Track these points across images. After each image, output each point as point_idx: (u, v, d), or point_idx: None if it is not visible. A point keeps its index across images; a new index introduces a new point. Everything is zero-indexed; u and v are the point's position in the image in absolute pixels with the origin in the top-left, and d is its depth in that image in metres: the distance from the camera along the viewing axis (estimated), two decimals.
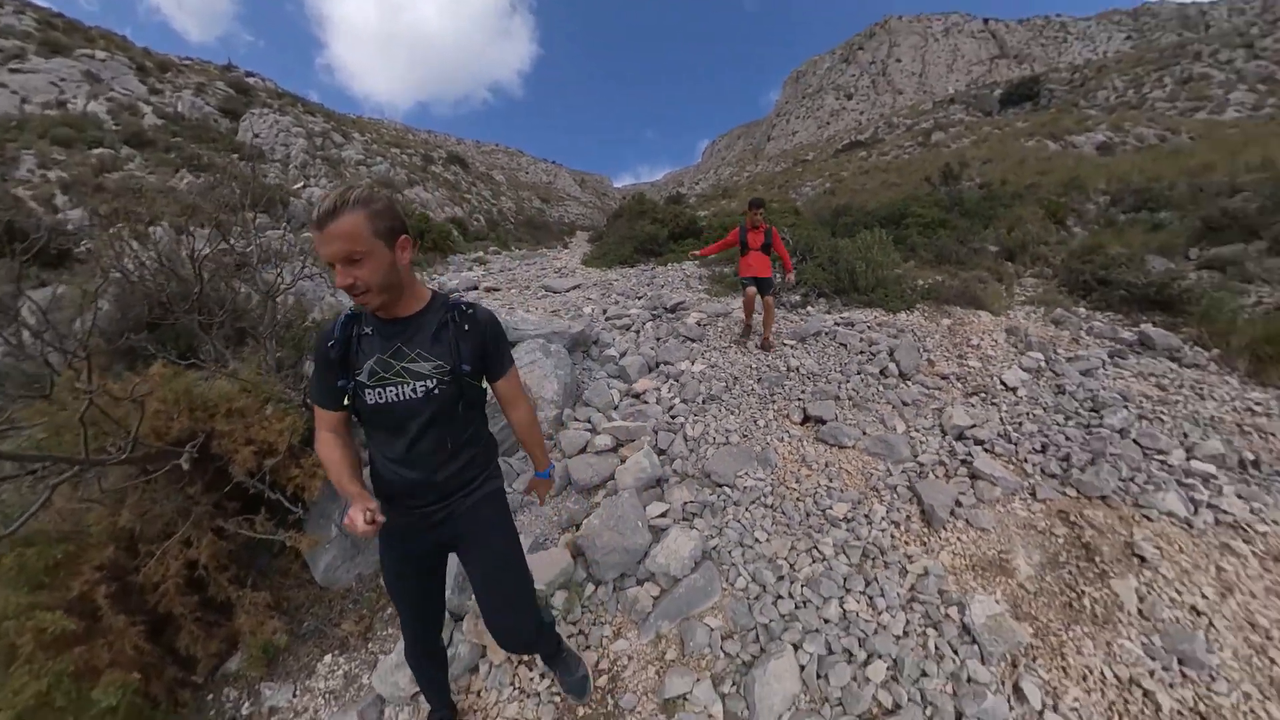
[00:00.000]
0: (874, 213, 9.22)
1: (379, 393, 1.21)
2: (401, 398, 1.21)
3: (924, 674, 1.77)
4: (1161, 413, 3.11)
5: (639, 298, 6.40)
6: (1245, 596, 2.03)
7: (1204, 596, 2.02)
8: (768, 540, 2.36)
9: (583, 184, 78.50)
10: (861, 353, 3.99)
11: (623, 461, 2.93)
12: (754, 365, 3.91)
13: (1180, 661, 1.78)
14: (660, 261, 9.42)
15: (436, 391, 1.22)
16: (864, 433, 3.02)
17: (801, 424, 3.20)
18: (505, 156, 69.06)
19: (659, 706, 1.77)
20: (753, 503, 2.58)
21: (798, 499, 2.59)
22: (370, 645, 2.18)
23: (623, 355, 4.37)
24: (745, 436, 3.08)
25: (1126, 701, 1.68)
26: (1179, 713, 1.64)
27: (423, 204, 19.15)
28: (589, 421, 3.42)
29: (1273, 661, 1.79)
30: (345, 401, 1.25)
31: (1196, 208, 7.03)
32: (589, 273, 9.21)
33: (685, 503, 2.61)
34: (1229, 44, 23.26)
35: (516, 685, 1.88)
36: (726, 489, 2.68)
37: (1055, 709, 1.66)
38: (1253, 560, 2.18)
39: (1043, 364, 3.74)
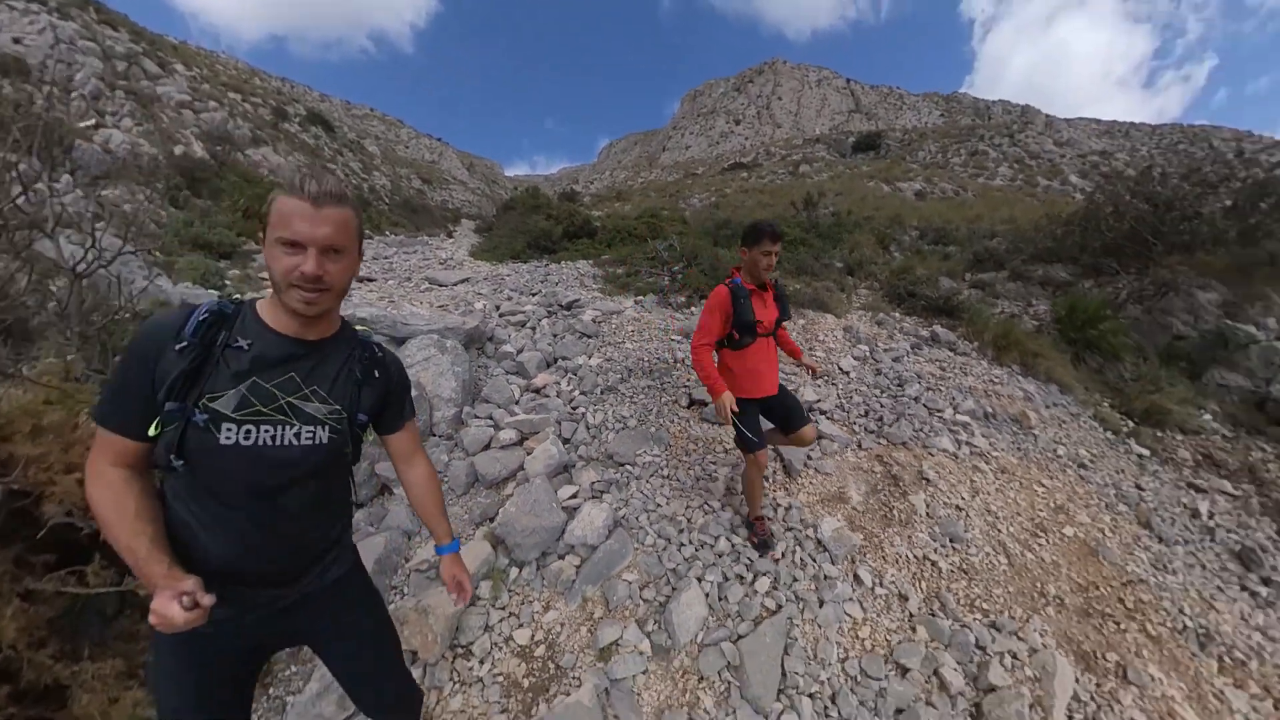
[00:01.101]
0: (739, 224, 10.67)
1: (246, 431, 0.90)
2: (279, 442, 0.93)
3: (795, 579, 2.29)
4: (941, 385, 4.15)
5: (533, 294, 6.45)
6: (986, 496, 2.94)
7: (963, 498, 2.87)
8: (667, 503, 2.72)
9: (471, 168, 73.39)
10: None
11: (529, 453, 3.06)
12: (645, 359, 4.24)
13: (951, 540, 2.56)
14: (554, 259, 9.50)
15: (326, 441, 0.98)
16: None
17: (688, 408, 3.62)
18: (382, 125, 60.80)
19: (595, 656, 2.00)
20: (652, 475, 2.91)
21: (689, 468, 3.00)
22: (272, 690, 1.93)
23: (520, 351, 4.44)
24: (641, 421, 3.40)
25: (922, 570, 2.40)
26: (951, 570, 2.40)
27: (271, 169, 15.61)
28: (490, 418, 3.47)
29: (999, 531, 2.67)
30: (154, 430, 0.89)
31: (971, 245, 9.24)
32: (478, 266, 8.91)
33: (593, 482, 2.86)
34: (1000, 133, 30.90)
35: (456, 679, 1.94)
36: (628, 467, 2.97)
37: (880, 584, 2.30)
38: (990, 474, 3.15)
39: (868, 354, 4.71)
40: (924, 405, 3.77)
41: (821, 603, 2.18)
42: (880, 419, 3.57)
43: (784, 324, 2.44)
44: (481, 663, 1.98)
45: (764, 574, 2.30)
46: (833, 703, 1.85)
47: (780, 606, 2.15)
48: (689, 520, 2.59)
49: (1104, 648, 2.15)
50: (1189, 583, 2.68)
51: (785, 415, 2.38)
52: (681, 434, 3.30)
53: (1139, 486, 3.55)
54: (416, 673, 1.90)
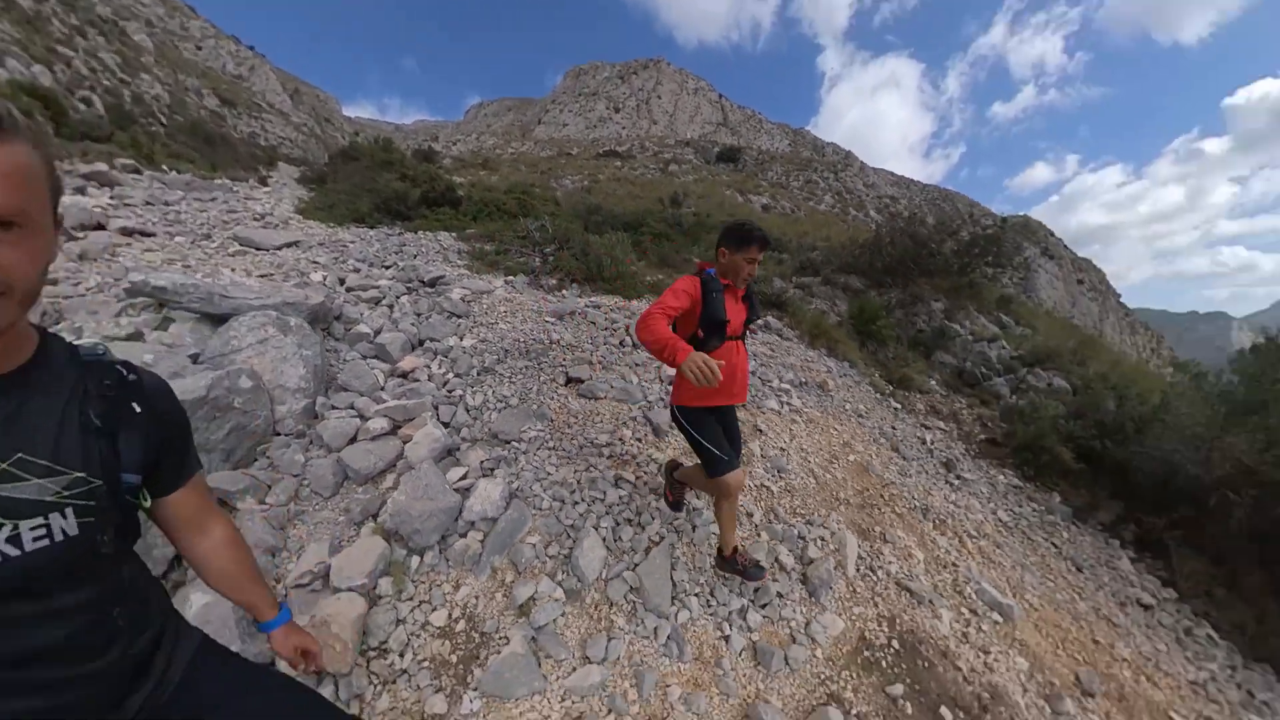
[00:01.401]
0: (619, 217, 10.98)
1: None
2: None
3: (675, 516, 2.80)
4: (770, 362, 5.15)
5: (386, 267, 5.92)
6: (799, 439, 3.86)
7: (785, 442, 3.73)
8: (556, 470, 2.95)
9: (296, 96, 58.63)
10: (606, 328, 4.89)
11: (408, 441, 2.96)
12: (521, 339, 4.31)
13: (778, 470, 3.35)
14: (409, 227, 8.55)
15: (74, 534, 0.65)
16: (611, 386, 3.89)
17: (566, 385, 3.87)
18: (161, 8, 44.23)
19: (516, 613, 2.18)
20: (539, 449, 3.10)
21: (572, 438, 3.27)
22: None
23: (378, 332, 4.14)
24: (522, 400, 3.53)
25: (760, 494, 3.11)
26: (779, 491, 3.16)
27: None
28: (353, 407, 3.24)
29: (809, 462, 3.57)
30: None
31: (798, 255, 11.10)
32: (310, 227, 7.69)
33: (483, 461, 2.93)
34: (829, 169, 37.39)
35: (377, 680, 1.92)
36: (514, 443, 3.11)
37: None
38: (802, 424, 4.12)
39: None
40: (758, 378, 4.67)
41: (694, 528, 2.73)
42: None
43: (752, 326, 2.15)
44: (401, 655, 1.99)
45: (647, 513, 2.75)
46: (712, 595, 2.42)
47: (664, 537, 2.62)
48: (578, 482, 2.87)
49: (873, 525, 3.14)
50: (918, 482, 3.98)
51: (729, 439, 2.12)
52: (562, 409, 3.53)
53: (893, 427, 4.97)
54: (328, 690, 1.83)
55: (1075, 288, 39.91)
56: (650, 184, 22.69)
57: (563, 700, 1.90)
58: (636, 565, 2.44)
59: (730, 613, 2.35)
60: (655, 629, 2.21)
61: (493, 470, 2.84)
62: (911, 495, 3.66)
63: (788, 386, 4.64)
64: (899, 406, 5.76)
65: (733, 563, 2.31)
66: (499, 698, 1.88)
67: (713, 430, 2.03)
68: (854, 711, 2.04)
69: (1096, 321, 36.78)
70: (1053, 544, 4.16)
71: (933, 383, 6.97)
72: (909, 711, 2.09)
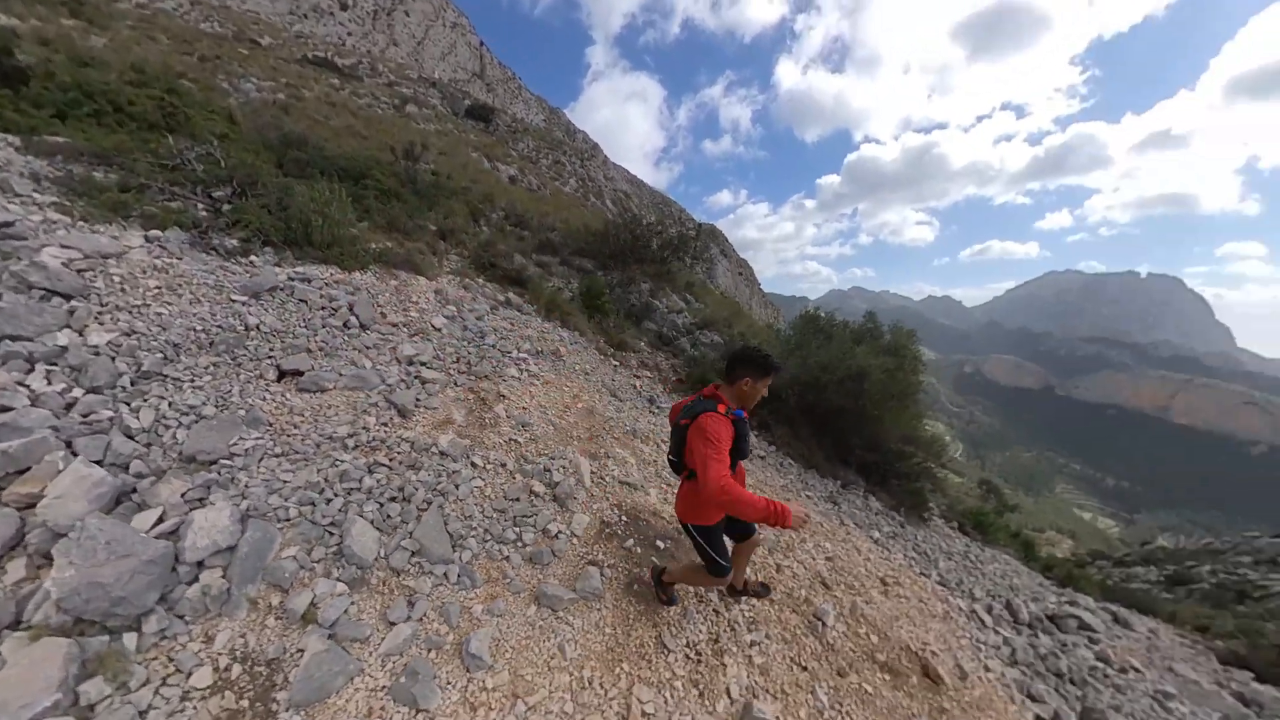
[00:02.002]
0: (334, 159, 8.35)
1: None
2: None
3: (437, 482, 3.04)
4: (510, 335, 5.68)
5: None
6: (538, 398, 4.57)
7: (526, 403, 4.38)
8: (295, 475, 2.75)
9: None
10: (324, 308, 4.27)
11: (32, 504, 2.22)
12: (198, 328, 3.47)
13: (523, 425, 3.98)
14: None
15: None
16: (340, 374, 3.65)
17: (280, 380, 3.42)
18: None
19: (300, 625, 2.13)
20: (263, 458, 2.79)
21: (304, 438, 3.03)
22: None
23: None
24: (221, 407, 3.01)
25: (511, 446, 3.64)
26: (526, 441, 3.78)
27: None
28: None
29: (548, 414, 4.32)
30: None
31: (540, 233, 11.90)
32: None
33: (184, 492, 2.48)
34: (577, 155, 39.36)
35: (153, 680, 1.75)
36: (225, 461, 2.69)
37: (488, 463, 3.38)
38: (540, 386, 4.83)
39: (456, 314, 5.57)
40: (498, 350, 5.14)
41: (457, 486, 3.05)
42: (469, 363, 4.63)
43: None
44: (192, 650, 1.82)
45: (409, 485, 2.93)
46: (487, 533, 2.85)
47: (429, 503, 2.86)
48: (325, 480, 2.75)
49: (599, 449, 4.12)
50: (630, 415, 5.25)
51: (742, 526, 2.45)
52: (281, 409, 3.18)
53: (613, 379, 6.24)
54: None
55: (739, 278, 55.72)
56: (380, 122, 18.56)
57: (384, 666, 2.08)
58: (412, 532, 2.64)
59: (506, 540, 2.85)
60: (445, 573, 2.53)
61: (205, 498, 2.46)
62: (624, 424, 4.89)
63: (526, 355, 5.35)
64: (618, 364, 7.32)
65: (743, 591, 2.81)
66: (318, 700, 1.91)
67: (721, 542, 2.25)
68: (607, 564, 2.89)
69: (748, 300, 51.91)
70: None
71: (642, 344, 9.00)
72: (639, 550, 3.08)
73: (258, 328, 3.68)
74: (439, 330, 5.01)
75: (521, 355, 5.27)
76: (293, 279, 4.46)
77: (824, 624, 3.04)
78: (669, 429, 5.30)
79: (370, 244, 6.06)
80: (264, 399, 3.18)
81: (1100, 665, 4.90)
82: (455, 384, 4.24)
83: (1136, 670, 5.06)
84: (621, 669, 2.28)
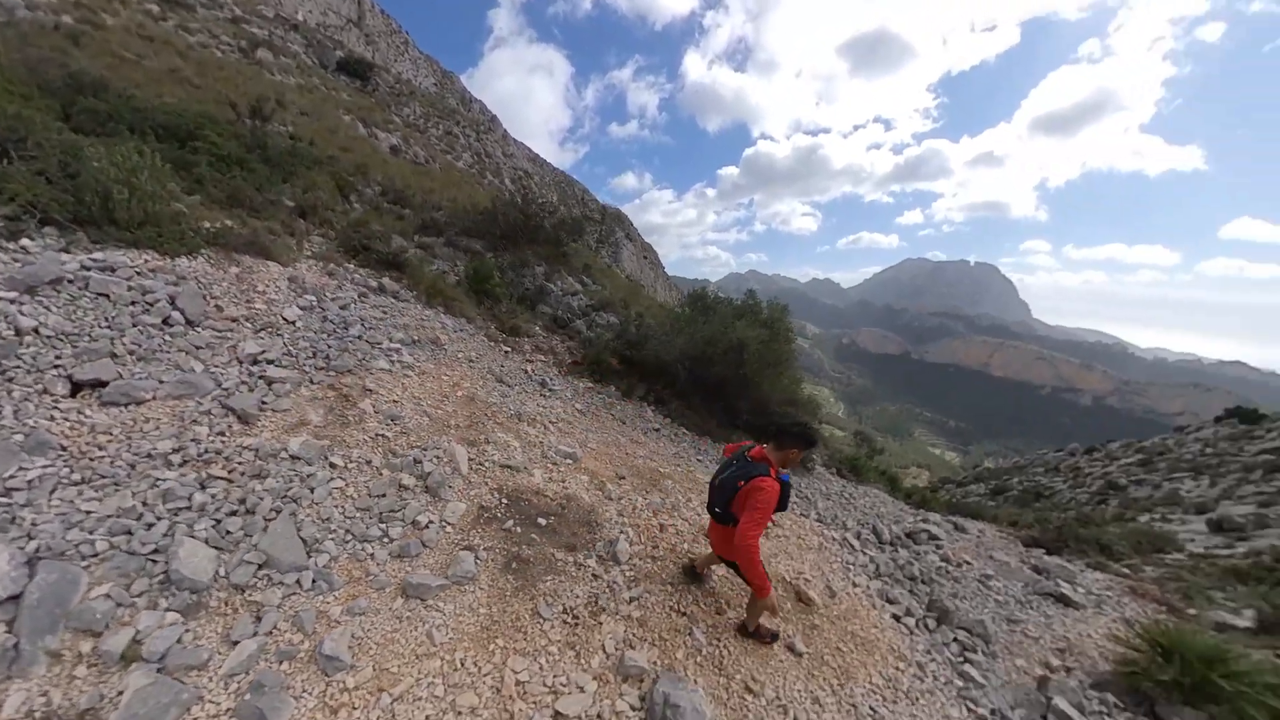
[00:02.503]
0: (150, 113, 6.62)
1: None
2: None
3: (288, 489, 2.79)
4: (381, 324, 5.24)
5: None
6: (412, 390, 4.34)
7: (398, 395, 4.12)
8: (103, 502, 2.40)
9: None
10: (134, 303, 3.59)
11: None
12: None
13: (393, 419, 3.75)
14: None
15: None
16: (161, 381, 3.17)
17: (74, 395, 2.91)
18: None
19: (121, 667, 1.90)
20: (56, 487, 2.41)
21: (113, 459, 2.62)
22: None
23: None
24: None
25: (379, 441, 3.45)
26: (396, 434, 3.58)
27: None
28: None
29: (422, 405, 4.13)
30: None
31: (422, 212, 10.98)
32: None
33: None
34: (473, 127, 36.21)
35: None
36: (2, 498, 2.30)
37: (351, 461, 3.18)
38: (415, 377, 4.58)
39: (315, 303, 4.99)
40: (365, 341, 4.73)
41: (312, 490, 2.84)
42: (328, 357, 4.23)
43: None
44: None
45: (252, 495, 2.66)
46: (349, 534, 2.69)
47: (278, 511, 2.63)
48: (144, 503, 2.44)
49: (478, 435, 4.03)
50: (517, 399, 5.18)
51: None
52: (78, 429, 2.70)
53: (502, 365, 6.06)
54: None
55: (644, 262, 56.69)
56: (219, 68, 14.42)
57: (227, 687, 1.92)
58: (258, 544, 2.43)
59: (370, 538, 2.72)
60: (299, 580, 2.37)
61: None
62: (510, 408, 4.82)
63: (399, 345, 4.97)
64: (509, 350, 7.11)
65: (756, 634, 2.85)
66: None
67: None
68: (484, 547, 2.87)
69: (653, 283, 53.05)
70: (610, 414, 6.47)
71: (537, 328, 8.80)
72: (519, 530, 3.10)
73: (35, 331, 3.03)
74: (292, 323, 4.49)
75: (394, 345, 4.90)
76: (87, 268, 3.65)
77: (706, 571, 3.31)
78: (561, 410, 4.96)
79: (202, 223, 5.15)
80: (51, 418, 2.68)
81: (944, 565, 5.90)
82: (311, 382, 3.87)
83: (968, 563, 6.22)
84: (496, 644, 2.31)
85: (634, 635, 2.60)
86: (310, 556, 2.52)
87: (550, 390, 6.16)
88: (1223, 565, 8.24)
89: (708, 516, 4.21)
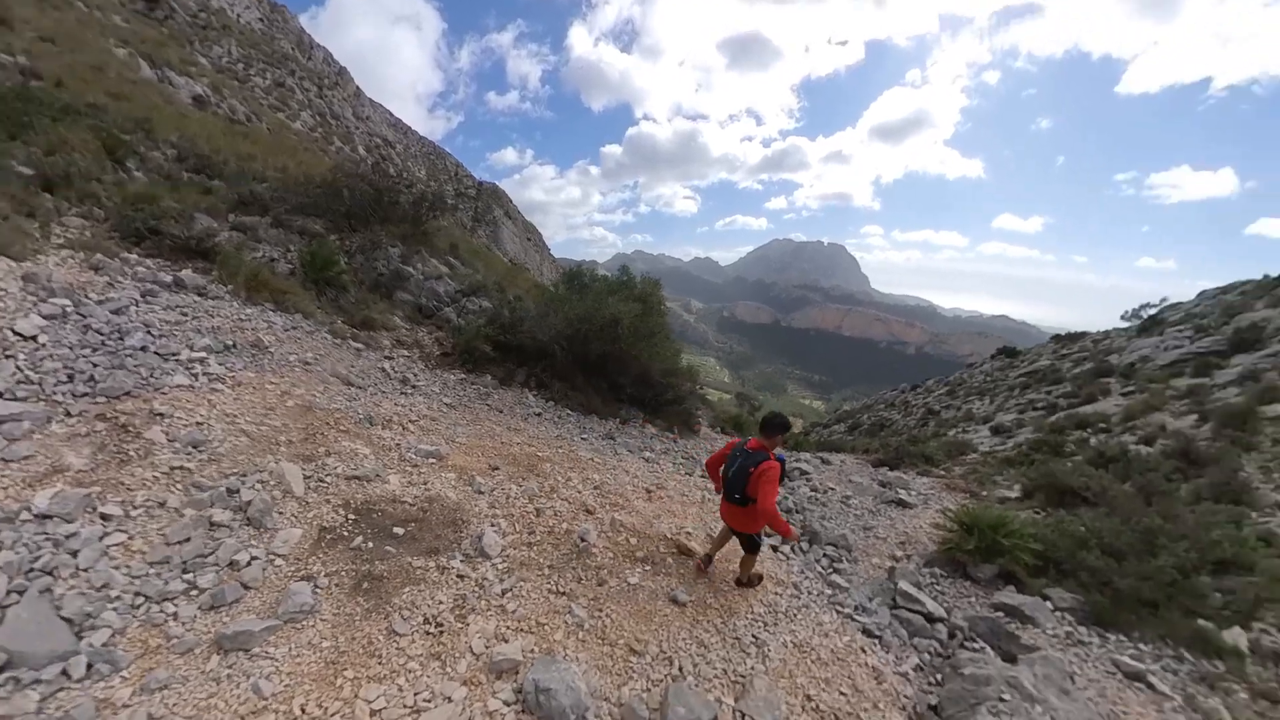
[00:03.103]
0: None
1: None
2: None
3: (34, 559, 2.19)
4: (177, 330, 4.23)
5: None
6: (224, 406, 3.59)
7: (203, 415, 3.40)
8: None
9: None
10: None
11: None
12: None
13: (195, 446, 3.10)
14: None
15: None
16: None
17: None
18: None
19: None
20: None
21: None
22: None
23: None
24: None
25: (174, 476, 2.85)
26: (198, 465, 3.00)
27: None
28: None
29: (239, 423, 3.47)
30: None
31: (239, 184, 9.05)
32: None
33: None
34: (314, 80, 29.85)
35: None
36: None
37: (135, 506, 2.59)
38: (227, 390, 3.81)
39: (69, 309, 3.84)
40: (154, 353, 3.81)
41: (76, 554, 2.24)
42: (92, 379, 3.33)
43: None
44: None
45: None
46: (139, 596, 2.21)
47: (25, 588, 2.05)
48: None
49: (317, 448, 3.50)
50: (370, 400, 4.64)
51: (751, 543, 3.28)
52: None
53: (352, 365, 5.36)
54: None
55: (527, 243, 53.88)
56: None
57: None
58: None
59: (171, 594, 2.23)
60: (64, 670, 1.87)
61: None
62: (359, 413, 4.27)
63: (203, 355, 4.07)
64: (363, 346, 6.30)
65: (749, 582, 3.36)
66: None
67: (755, 537, 3.21)
68: (324, 574, 2.52)
69: (539, 265, 51.03)
70: (486, 404, 6.10)
71: (397, 319, 7.93)
72: (370, 545, 2.77)
73: None
74: (32, 339, 3.46)
75: (197, 355, 4.03)
76: None
77: (586, 542, 3.30)
78: (425, 408, 4.86)
79: None
80: None
81: (814, 494, 6.88)
82: (68, 415, 3.04)
83: (832, 489, 7.22)
84: (344, 677, 2.06)
85: (506, 628, 2.49)
86: (81, 637, 2.00)
87: (413, 387, 5.63)
88: (1000, 457, 10.87)
89: (590, 488, 4.30)
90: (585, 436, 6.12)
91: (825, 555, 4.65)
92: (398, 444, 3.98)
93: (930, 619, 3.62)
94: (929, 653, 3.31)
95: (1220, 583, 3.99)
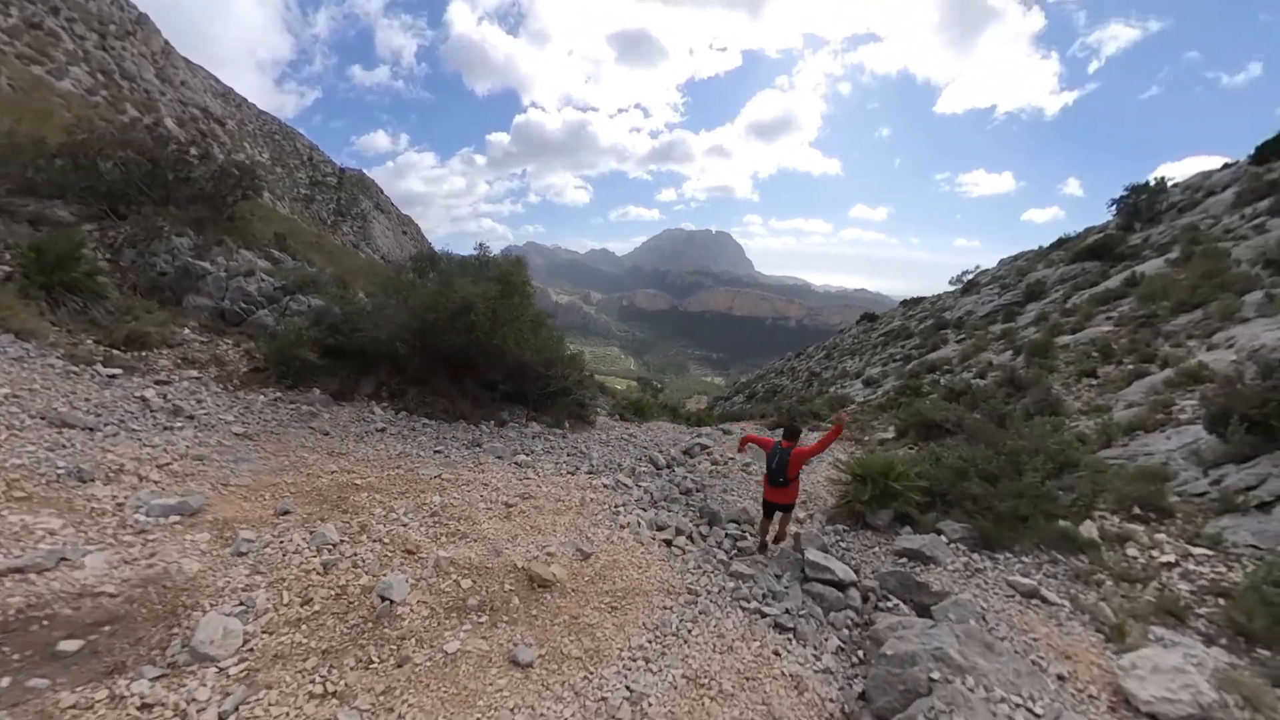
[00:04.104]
0: None
1: None
2: None
3: None
4: None
5: None
6: None
7: None
8: None
9: None
10: None
11: None
12: None
13: None
14: None
15: None
16: None
17: None
18: None
19: None
20: None
21: None
22: None
23: None
24: None
25: None
26: None
27: None
28: None
29: None
30: None
31: None
32: None
33: None
34: (93, 25, 21.95)
35: None
36: None
37: None
38: None
39: None
40: None
41: None
42: None
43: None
44: None
45: None
46: None
47: None
48: None
49: None
50: (96, 447, 3.28)
51: (784, 508, 4.16)
52: None
53: (89, 400, 3.87)
54: None
55: (402, 237, 48.18)
56: None
57: None
58: None
59: None
60: None
61: None
62: (63, 466, 2.92)
63: None
64: (119, 371, 4.58)
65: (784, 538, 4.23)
66: None
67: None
68: None
69: None
70: (309, 427, 4.79)
71: (186, 331, 5.98)
72: (3, 683, 1.69)
73: None
74: None
75: None
76: None
77: (390, 602, 2.44)
78: (189, 444, 3.88)
79: None
80: None
81: (715, 467, 6.66)
82: None
83: (732, 458, 7.01)
84: None
85: None
86: None
87: (189, 418, 4.18)
88: (874, 405, 11.89)
89: (425, 515, 3.60)
90: (441, 449, 5.11)
91: (728, 535, 4.30)
92: (121, 504, 2.76)
93: (841, 586, 3.40)
94: (846, 626, 3.05)
95: (1060, 482, 4.35)
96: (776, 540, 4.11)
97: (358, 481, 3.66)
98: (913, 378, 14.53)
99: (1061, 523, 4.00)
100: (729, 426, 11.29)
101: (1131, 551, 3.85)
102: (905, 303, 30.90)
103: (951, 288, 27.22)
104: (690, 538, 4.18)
